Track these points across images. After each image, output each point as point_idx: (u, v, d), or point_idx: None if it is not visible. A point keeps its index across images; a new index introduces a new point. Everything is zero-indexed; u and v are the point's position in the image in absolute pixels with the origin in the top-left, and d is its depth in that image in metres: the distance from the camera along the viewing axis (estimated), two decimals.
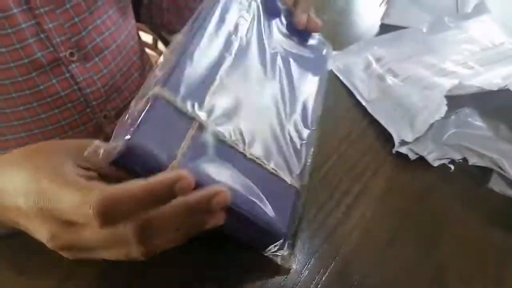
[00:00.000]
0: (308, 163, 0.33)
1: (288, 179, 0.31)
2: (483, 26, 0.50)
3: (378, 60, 0.47)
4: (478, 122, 0.39)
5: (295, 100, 0.36)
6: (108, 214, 0.24)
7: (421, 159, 0.38)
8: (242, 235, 0.30)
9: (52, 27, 0.44)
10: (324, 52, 0.44)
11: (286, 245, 0.30)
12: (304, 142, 0.34)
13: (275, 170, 0.30)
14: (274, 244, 0.30)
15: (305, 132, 0.34)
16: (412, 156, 0.38)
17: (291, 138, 0.33)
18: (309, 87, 0.38)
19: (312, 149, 0.35)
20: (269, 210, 0.29)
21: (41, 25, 0.43)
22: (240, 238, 0.30)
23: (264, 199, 0.29)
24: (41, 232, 0.27)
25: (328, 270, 0.31)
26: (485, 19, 0.51)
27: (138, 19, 0.67)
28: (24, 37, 0.42)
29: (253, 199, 0.28)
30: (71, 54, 0.46)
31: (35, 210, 0.25)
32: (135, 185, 0.24)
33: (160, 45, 0.97)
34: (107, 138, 0.56)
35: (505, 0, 0.58)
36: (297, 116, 0.35)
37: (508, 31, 0.49)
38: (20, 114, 0.46)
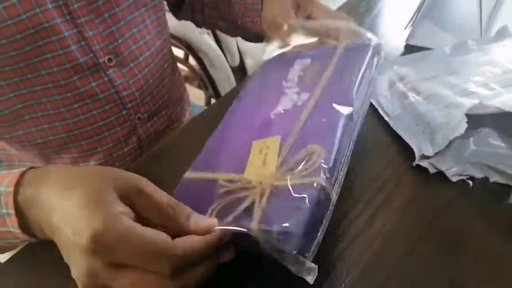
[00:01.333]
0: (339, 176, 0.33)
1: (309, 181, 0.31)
2: (505, 49, 0.51)
3: (401, 78, 0.49)
4: (498, 142, 0.40)
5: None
6: (179, 267, 0.27)
7: (442, 174, 0.39)
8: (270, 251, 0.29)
9: (92, 35, 0.47)
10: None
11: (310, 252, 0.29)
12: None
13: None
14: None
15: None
16: (432, 170, 0.40)
17: None
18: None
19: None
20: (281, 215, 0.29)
21: (82, 33, 0.47)
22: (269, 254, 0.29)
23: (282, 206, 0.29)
24: (78, 264, 0.27)
25: (349, 276, 0.33)
26: (507, 43, 0.52)
27: (180, 17, 0.71)
28: (67, 44, 0.45)
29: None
30: (109, 60, 0.50)
31: (85, 247, 0.26)
32: (198, 242, 0.28)
33: (191, 60, 1.01)
34: (139, 139, 0.59)
35: None
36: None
37: None
38: (62, 116, 0.49)
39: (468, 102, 0.41)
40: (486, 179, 0.39)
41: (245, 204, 0.31)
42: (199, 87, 1.09)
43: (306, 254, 0.28)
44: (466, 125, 0.38)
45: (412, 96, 0.46)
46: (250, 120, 0.41)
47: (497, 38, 0.54)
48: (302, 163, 0.32)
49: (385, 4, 0.71)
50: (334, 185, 0.31)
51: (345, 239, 0.35)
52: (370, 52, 0.44)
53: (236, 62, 1.12)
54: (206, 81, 0.99)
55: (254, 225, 0.28)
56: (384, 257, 0.34)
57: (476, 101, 0.39)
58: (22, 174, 0.31)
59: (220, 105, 0.53)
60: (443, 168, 0.39)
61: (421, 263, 0.33)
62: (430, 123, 0.41)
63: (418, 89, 0.46)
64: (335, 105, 0.37)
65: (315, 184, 0.30)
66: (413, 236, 0.35)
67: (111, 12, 0.48)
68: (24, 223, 0.31)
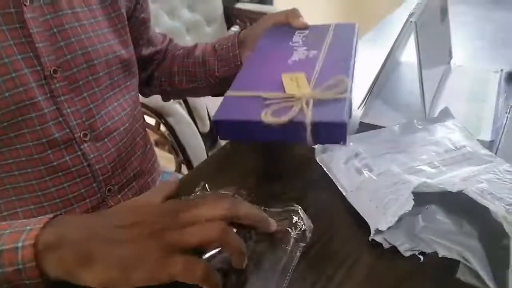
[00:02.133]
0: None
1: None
2: (446, 130, 0.58)
3: (356, 155, 0.54)
4: (444, 218, 0.44)
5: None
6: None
7: (397, 248, 0.43)
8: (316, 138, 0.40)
9: (70, 112, 0.50)
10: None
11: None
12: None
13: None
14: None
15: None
16: (386, 245, 0.43)
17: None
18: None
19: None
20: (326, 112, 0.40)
21: (60, 110, 0.49)
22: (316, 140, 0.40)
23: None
24: (151, 213, 0.32)
25: None
26: (448, 124, 0.59)
27: (148, 93, 0.75)
28: (45, 120, 0.47)
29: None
30: (85, 135, 0.52)
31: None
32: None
33: (162, 127, 1.04)
34: None
35: (467, 106, 0.68)
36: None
37: (468, 135, 0.57)
38: (32, 188, 0.50)
39: (415, 180, 0.46)
40: (436, 253, 0.42)
41: (296, 108, 0.40)
42: (170, 152, 1.12)
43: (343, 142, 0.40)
44: (413, 202, 0.42)
45: (366, 173, 0.50)
46: (271, 62, 0.52)
47: (439, 118, 0.61)
48: (333, 87, 0.43)
49: None
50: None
51: None
52: (356, 30, 0.58)
53: (206, 128, 1.17)
54: (177, 148, 1.02)
55: (308, 119, 0.39)
56: None
57: (422, 180, 0.44)
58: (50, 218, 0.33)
59: (189, 179, 0.55)
60: (396, 243, 0.42)
61: None
62: (382, 200, 0.45)
63: (371, 166, 0.51)
64: (341, 55, 0.51)
65: (346, 97, 0.42)
66: None
67: (90, 91, 0.51)
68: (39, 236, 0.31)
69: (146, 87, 0.74)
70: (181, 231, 0.30)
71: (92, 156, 0.53)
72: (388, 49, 0.64)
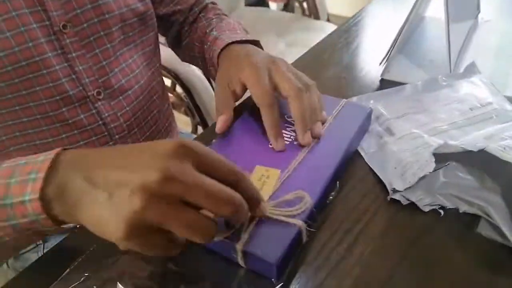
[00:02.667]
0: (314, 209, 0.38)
1: (292, 221, 0.36)
2: (472, 86, 0.55)
3: (377, 118, 0.52)
4: (465, 174, 0.43)
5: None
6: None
7: (415, 204, 0.42)
8: (247, 263, 0.36)
9: (82, 69, 0.49)
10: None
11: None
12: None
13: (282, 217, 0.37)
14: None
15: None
16: (404, 202, 0.42)
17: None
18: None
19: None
20: (264, 242, 0.35)
21: (72, 67, 0.48)
22: (247, 265, 0.36)
23: (263, 234, 0.35)
24: (151, 168, 0.27)
25: None
26: (475, 79, 0.57)
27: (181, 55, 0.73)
28: (57, 77, 0.47)
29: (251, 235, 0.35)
30: (98, 93, 0.51)
31: (171, 150, 0.28)
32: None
33: (178, 88, 1.03)
34: None
35: (494, 62, 0.64)
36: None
37: (495, 91, 0.54)
38: (49, 146, 0.50)
39: (435, 142, 0.44)
40: (456, 209, 0.41)
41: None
42: (186, 113, 1.11)
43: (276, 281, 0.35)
44: (434, 164, 0.41)
45: (386, 137, 0.49)
46: (253, 139, 0.47)
47: (465, 74, 0.58)
48: (290, 205, 0.38)
49: (362, 40, 0.75)
50: (310, 226, 0.38)
51: (325, 268, 0.37)
52: (366, 115, 0.50)
53: None
54: (193, 109, 1.02)
55: (240, 245, 0.34)
56: (363, 284, 0.35)
57: (442, 141, 0.42)
58: (63, 149, 0.32)
59: (207, 134, 0.55)
60: (414, 199, 0.42)
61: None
62: (401, 161, 0.44)
63: (393, 129, 0.49)
64: (326, 157, 0.44)
65: (296, 225, 0.36)
66: (389, 264, 0.37)
67: (102, 48, 0.50)
68: (45, 188, 0.30)
69: (177, 48, 0.71)
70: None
71: (107, 114, 0.53)
72: (412, 3, 0.60)
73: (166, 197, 0.27)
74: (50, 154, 0.31)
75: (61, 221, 0.31)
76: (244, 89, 0.48)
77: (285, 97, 0.45)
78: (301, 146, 0.45)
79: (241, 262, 0.35)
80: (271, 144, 0.45)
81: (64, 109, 0.49)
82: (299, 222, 0.36)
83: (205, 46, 0.61)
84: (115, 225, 0.27)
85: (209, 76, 0.69)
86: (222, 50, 0.54)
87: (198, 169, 0.29)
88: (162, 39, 0.69)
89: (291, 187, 0.39)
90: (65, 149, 0.32)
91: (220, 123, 0.47)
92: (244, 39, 0.55)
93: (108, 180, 0.28)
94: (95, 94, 0.51)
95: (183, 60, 0.73)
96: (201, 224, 0.28)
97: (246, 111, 0.51)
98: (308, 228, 0.37)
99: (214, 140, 0.48)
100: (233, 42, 0.54)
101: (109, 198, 0.27)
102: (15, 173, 0.31)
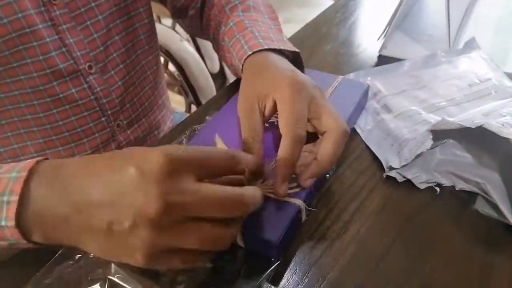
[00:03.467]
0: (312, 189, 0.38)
1: (291, 200, 0.36)
2: (471, 62, 0.54)
3: (374, 94, 0.51)
4: (463, 152, 0.43)
5: None
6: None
7: (411, 182, 0.41)
8: (246, 243, 0.35)
9: (73, 42, 0.47)
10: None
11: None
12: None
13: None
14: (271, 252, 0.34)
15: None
16: (400, 179, 0.42)
17: None
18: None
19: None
20: (264, 222, 0.34)
21: (63, 40, 0.47)
22: (246, 245, 0.35)
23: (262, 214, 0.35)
24: (140, 233, 0.25)
25: (326, 280, 0.34)
26: (474, 55, 0.56)
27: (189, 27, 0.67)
28: (47, 50, 0.45)
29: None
30: (90, 67, 0.50)
31: (155, 208, 0.24)
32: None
33: (171, 66, 1.01)
34: (119, 146, 0.59)
35: (494, 37, 0.63)
36: None
37: (494, 67, 0.53)
38: (40, 121, 0.49)
39: (433, 119, 0.44)
40: (453, 186, 0.41)
41: None
42: (179, 93, 1.10)
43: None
44: (431, 141, 0.40)
45: (383, 114, 0.48)
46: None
47: (465, 50, 0.57)
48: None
49: (359, 15, 0.74)
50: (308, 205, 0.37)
51: (321, 245, 0.37)
52: (363, 92, 0.48)
53: (216, 68, 1.13)
54: (186, 88, 1.00)
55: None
56: (358, 261, 0.35)
57: (439, 118, 0.42)
58: (37, 162, 0.29)
59: (201, 112, 0.53)
60: (410, 176, 0.41)
61: (394, 267, 0.35)
62: (398, 138, 0.43)
63: (390, 107, 0.48)
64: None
65: (295, 204, 0.36)
66: (386, 241, 0.37)
67: (93, 20, 0.48)
68: (22, 214, 0.27)
69: (182, 16, 0.65)
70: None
71: (98, 89, 0.51)
72: None
73: (171, 221, 0.25)
74: (23, 170, 0.28)
75: (44, 244, 0.29)
76: (275, 110, 0.39)
77: (322, 133, 0.37)
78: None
79: (240, 242, 0.35)
80: (267, 124, 0.42)
81: (55, 83, 0.48)
82: (298, 201, 0.36)
83: (224, 28, 0.52)
84: (131, 256, 0.26)
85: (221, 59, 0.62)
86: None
87: (194, 174, 0.27)
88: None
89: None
90: (38, 161, 0.29)
91: (254, 166, 0.33)
92: (282, 48, 0.45)
93: (101, 208, 0.26)
94: (86, 68, 0.49)
95: (187, 31, 0.70)
96: (218, 234, 0.27)
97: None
98: (307, 207, 0.36)
99: (208, 117, 0.47)
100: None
101: (109, 230, 0.26)
102: None
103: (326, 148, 0.36)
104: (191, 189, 0.26)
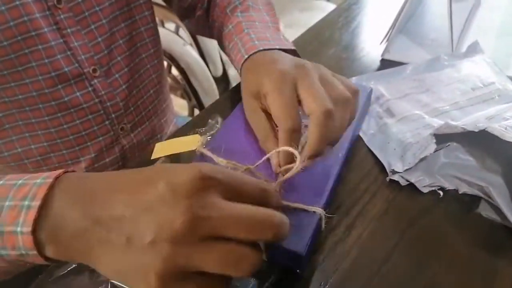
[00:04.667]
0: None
1: (311, 209, 0.35)
2: (475, 66, 0.54)
3: (377, 98, 0.51)
4: (466, 155, 0.42)
5: None
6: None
7: (414, 186, 0.41)
8: (272, 257, 0.34)
9: (78, 46, 0.48)
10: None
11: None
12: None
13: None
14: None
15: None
16: (403, 182, 0.42)
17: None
18: None
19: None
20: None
21: (68, 43, 0.47)
22: (273, 259, 0.34)
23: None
24: (157, 249, 0.23)
25: (328, 284, 0.34)
26: (477, 59, 0.55)
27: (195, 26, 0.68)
28: (52, 53, 0.46)
29: None
30: (94, 70, 0.50)
31: (180, 223, 0.23)
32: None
33: (174, 70, 1.02)
34: (122, 150, 0.59)
35: (497, 41, 0.63)
36: None
37: (498, 71, 0.53)
38: (44, 124, 0.49)
39: (437, 123, 0.44)
40: (456, 190, 0.41)
41: None
42: (183, 97, 1.10)
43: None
44: (434, 145, 0.40)
45: (386, 118, 0.48)
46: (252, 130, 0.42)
47: (468, 53, 0.57)
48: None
49: (362, 19, 0.74)
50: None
51: (324, 248, 0.37)
52: (366, 95, 0.47)
53: (219, 72, 1.14)
54: (189, 92, 1.00)
55: None
56: (361, 265, 0.35)
57: (443, 122, 0.42)
58: (64, 172, 0.28)
59: (203, 116, 0.54)
60: (413, 180, 0.41)
61: (397, 271, 0.35)
62: (401, 142, 0.43)
63: (393, 111, 0.48)
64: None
65: (315, 213, 0.34)
66: (388, 245, 0.37)
67: (97, 23, 0.49)
68: (40, 222, 0.26)
69: (188, 17, 0.66)
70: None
71: (103, 92, 0.52)
72: None
73: (195, 238, 0.23)
74: (49, 177, 0.27)
75: (55, 260, 0.27)
76: None
77: (308, 115, 0.36)
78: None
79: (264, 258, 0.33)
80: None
81: (59, 86, 0.48)
82: (318, 209, 0.35)
83: (225, 30, 0.53)
84: (144, 277, 0.23)
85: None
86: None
87: (224, 197, 0.25)
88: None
89: (304, 174, 0.37)
90: (66, 171, 0.28)
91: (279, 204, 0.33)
92: (277, 47, 0.45)
93: (122, 222, 0.24)
94: (91, 71, 0.50)
95: (194, 32, 0.70)
96: (243, 254, 0.24)
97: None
98: (326, 215, 0.35)
99: (210, 120, 0.47)
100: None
101: (128, 245, 0.24)
102: (10, 194, 0.27)
103: (311, 132, 0.35)
104: (219, 205, 0.24)
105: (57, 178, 0.27)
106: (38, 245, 0.26)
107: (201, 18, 0.63)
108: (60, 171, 0.28)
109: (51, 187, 0.26)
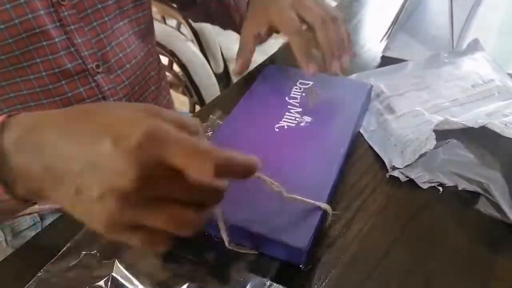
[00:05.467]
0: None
1: (316, 203, 0.35)
2: (475, 63, 0.54)
3: (377, 95, 0.52)
4: (465, 151, 0.43)
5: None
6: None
7: (414, 182, 0.42)
8: (273, 252, 0.35)
9: (81, 42, 0.49)
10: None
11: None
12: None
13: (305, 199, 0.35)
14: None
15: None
16: (403, 178, 0.42)
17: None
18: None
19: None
20: (290, 228, 0.33)
21: (71, 39, 0.48)
22: (274, 254, 0.35)
23: (287, 220, 0.34)
24: (108, 190, 0.23)
25: (328, 277, 0.35)
26: (477, 56, 0.56)
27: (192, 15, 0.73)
28: (56, 50, 0.47)
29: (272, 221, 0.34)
30: (97, 66, 0.51)
31: (134, 146, 0.23)
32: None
33: (175, 67, 1.02)
34: None
35: (497, 39, 0.63)
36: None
37: (498, 68, 0.53)
38: None
39: (437, 120, 0.44)
40: (455, 186, 0.41)
41: None
42: (184, 93, 1.10)
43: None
44: (434, 142, 0.40)
45: (386, 114, 0.48)
46: (255, 125, 0.44)
47: (468, 51, 0.57)
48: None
49: (363, 16, 0.74)
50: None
51: (324, 243, 0.37)
52: (366, 92, 0.49)
53: (220, 68, 1.14)
54: (191, 88, 1.00)
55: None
56: (360, 260, 0.36)
57: (442, 119, 0.42)
58: (8, 117, 0.28)
59: (205, 112, 0.54)
60: (413, 176, 0.42)
61: (396, 265, 0.35)
62: (401, 138, 0.44)
63: (393, 107, 0.48)
64: (336, 137, 0.43)
65: (319, 207, 0.35)
66: (388, 240, 0.37)
67: (100, 21, 0.50)
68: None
69: (189, 8, 0.70)
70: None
71: (106, 88, 0.52)
72: None
73: (142, 198, 0.24)
74: None
75: (29, 200, 0.29)
76: (270, 29, 0.50)
77: (311, 26, 0.47)
78: (329, 72, 0.48)
79: (228, 245, 0.33)
80: (277, 128, 0.44)
81: (63, 82, 0.49)
82: (323, 204, 0.35)
83: None
84: (93, 222, 0.25)
85: (230, 28, 0.68)
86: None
87: (170, 155, 0.24)
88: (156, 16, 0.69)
89: (306, 170, 0.38)
90: (10, 115, 0.28)
91: (237, 67, 0.51)
92: None
93: (71, 175, 0.25)
94: (94, 67, 0.50)
95: (195, 20, 0.72)
96: (187, 216, 0.25)
97: (249, 92, 0.50)
98: (333, 212, 0.36)
99: (211, 116, 0.47)
100: None
101: (76, 196, 0.25)
102: None
103: (319, 39, 0.47)
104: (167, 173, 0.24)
105: (2, 124, 0.27)
106: (7, 189, 0.27)
107: (202, 4, 0.66)
108: (3, 116, 0.28)
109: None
